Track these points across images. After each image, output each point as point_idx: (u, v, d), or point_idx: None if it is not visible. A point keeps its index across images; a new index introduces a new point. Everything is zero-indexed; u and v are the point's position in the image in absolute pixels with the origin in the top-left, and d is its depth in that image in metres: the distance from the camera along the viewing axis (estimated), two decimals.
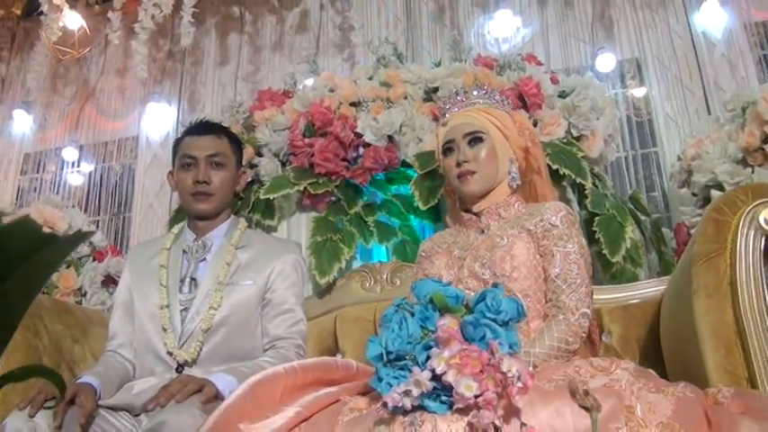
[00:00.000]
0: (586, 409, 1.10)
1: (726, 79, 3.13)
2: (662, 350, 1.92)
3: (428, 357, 1.20)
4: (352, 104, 2.72)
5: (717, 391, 1.25)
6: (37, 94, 3.92)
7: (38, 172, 4.03)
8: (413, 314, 1.32)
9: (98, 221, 3.59)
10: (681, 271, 1.77)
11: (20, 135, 4.10)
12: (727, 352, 1.48)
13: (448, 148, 1.78)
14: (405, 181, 2.63)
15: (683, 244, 2.41)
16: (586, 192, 2.43)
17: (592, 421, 1.08)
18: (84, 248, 2.89)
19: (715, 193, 2.15)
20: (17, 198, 3.90)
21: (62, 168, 3.99)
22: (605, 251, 2.32)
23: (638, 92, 3.43)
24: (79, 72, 4.05)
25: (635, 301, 2.11)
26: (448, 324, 1.26)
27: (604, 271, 2.36)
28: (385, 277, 2.43)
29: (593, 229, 2.36)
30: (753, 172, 2.12)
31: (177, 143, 2.06)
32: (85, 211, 3.32)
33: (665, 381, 1.31)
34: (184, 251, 1.98)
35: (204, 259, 1.95)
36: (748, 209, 1.54)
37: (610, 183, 2.77)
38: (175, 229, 2.09)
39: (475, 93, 1.82)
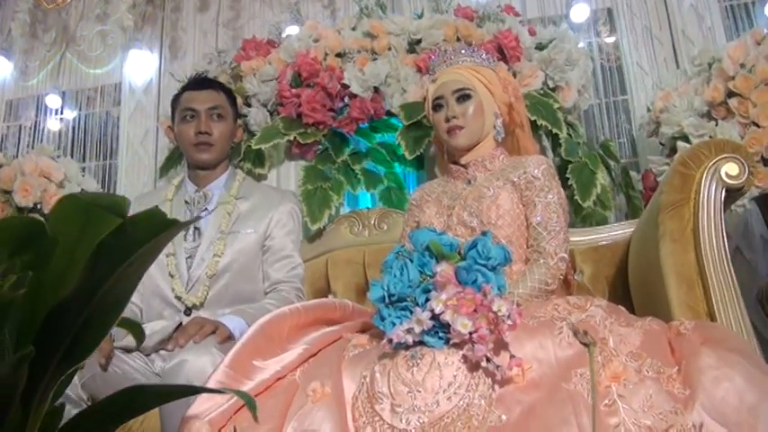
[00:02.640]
0: (585, 345, 1.25)
1: (693, 29, 3.20)
2: (629, 287, 2.07)
3: (427, 299, 1.33)
4: (338, 55, 2.75)
5: (679, 324, 1.37)
6: (17, 40, 3.82)
7: (20, 119, 3.95)
8: (412, 261, 1.45)
9: (84, 168, 3.58)
10: (648, 218, 1.90)
11: (0, 82, 4.03)
12: (689, 289, 1.63)
13: (437, 104, 1.87)
14: (389, 129, 2.70)
15: (650, 189, 2.54)
16: (561, 141, 2.53)
17: (589, 353, 1.23)
18: None
19: (681, 145, 2.27)
20: (0, 145, 3.87)
21: (45, 115, 3.92)
22: (577, 197, 2.44)
23: (610, 40, 3.50)
24: (58, 17, 3.95)
25: (605, 242, 2.26)
26: (444, 269, 1.40)
27: (576, 214, 2.48)
28: (372, 222, 2.55)
29: (567, 176, 2.47)
30: (717, 125, 2.23)
31: (176, 98, 2.12)
32: (71, 158, 3.31)
33: (634, 316, 1.43)
34: (186, 202, 2.08)
35: (206, 209, 2.05)
36: (711, 163, 1.68)
37: (582, 130, 2.89)
38: (176, 181, 2.18)
39: (463, 51, 1.92)
